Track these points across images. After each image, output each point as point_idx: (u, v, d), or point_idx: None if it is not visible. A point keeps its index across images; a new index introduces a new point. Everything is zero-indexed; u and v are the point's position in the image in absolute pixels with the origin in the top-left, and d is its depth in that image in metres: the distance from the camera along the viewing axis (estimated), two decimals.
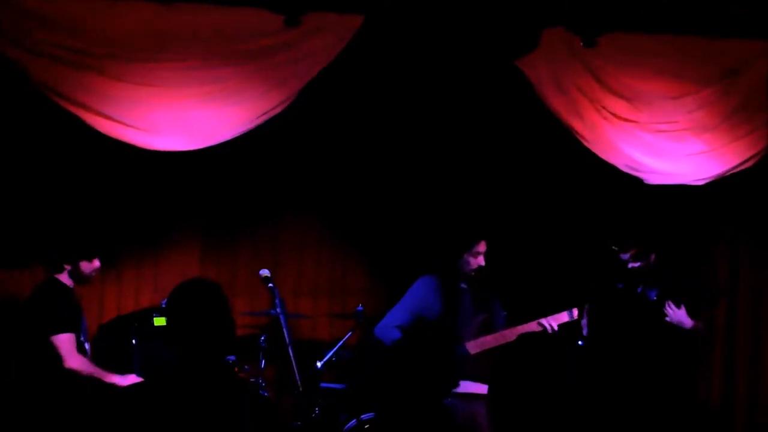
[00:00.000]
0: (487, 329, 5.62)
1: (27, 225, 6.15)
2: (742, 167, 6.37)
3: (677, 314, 5.69)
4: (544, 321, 5.57)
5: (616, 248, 5.85)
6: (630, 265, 5.83)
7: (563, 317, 5.58)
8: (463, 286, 5.81)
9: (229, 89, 5.75)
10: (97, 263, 5.38)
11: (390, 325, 5.52)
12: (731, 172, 6.38)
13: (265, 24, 5.73)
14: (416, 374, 5.26)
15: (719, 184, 6.42)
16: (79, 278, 5.32)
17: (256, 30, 5.73)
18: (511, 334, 5.43)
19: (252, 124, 5.84)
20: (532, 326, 5.59)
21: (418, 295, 5.63)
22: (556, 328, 5.61)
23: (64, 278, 5.28)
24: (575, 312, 5.58)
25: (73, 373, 5.02)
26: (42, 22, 5.42)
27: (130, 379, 5.16)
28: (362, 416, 5.69)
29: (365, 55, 6.04)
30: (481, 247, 5.70)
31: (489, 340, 5.54)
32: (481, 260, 5.70)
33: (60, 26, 5.45)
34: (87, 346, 5.32)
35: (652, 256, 5.86)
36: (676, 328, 5.71)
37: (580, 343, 6.07)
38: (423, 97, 6.57)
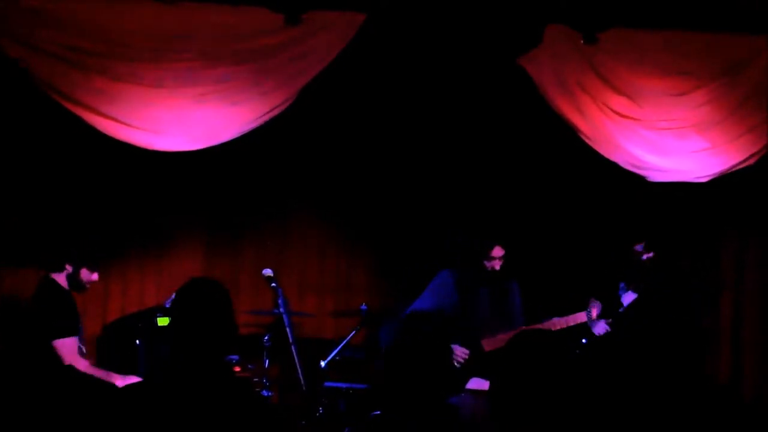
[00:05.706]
0: (506, 325, 5.55)
1: (30, 223, 6.15)
2: (745, 164, 6.36)
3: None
4: (558, 321, 5.51)
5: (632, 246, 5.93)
6: (644, 257, 5.87)
7: (581, 317, 5.53)
8: (483, 284, 5.75)
9: (231, 89, 5.75)
10: (96, 276, 5.32)
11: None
12: (734, 169, 6.36)
13: (266, 23, 5.73)
14: (421, 373, 5.28)
15: (725, 183, 6.40)
16: (76, 284, 5.25)
17: (258, 29, 5.73)
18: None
19: (255, 124, 5.85)
20: (546, 326, 5.54)
21: (436, 290, 5.59)
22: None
23: (61, 279, 5.21)
24: (594, 312, 5.53)
25: (74, 373, 5.01)
26: (44, 21, 5.42)
27: (130, 381, 5.14)
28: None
29: (367, 54, 6.03)
30: (496, 251, 5.63)
31: (503, 338, 5.49)
32: (496, 264, 5.62)
33: (63, 25, 5.45)
34: (84, 349, 5.30)
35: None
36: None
37: (583, 341, 6.06)
38: (426, 95, 6.56)
